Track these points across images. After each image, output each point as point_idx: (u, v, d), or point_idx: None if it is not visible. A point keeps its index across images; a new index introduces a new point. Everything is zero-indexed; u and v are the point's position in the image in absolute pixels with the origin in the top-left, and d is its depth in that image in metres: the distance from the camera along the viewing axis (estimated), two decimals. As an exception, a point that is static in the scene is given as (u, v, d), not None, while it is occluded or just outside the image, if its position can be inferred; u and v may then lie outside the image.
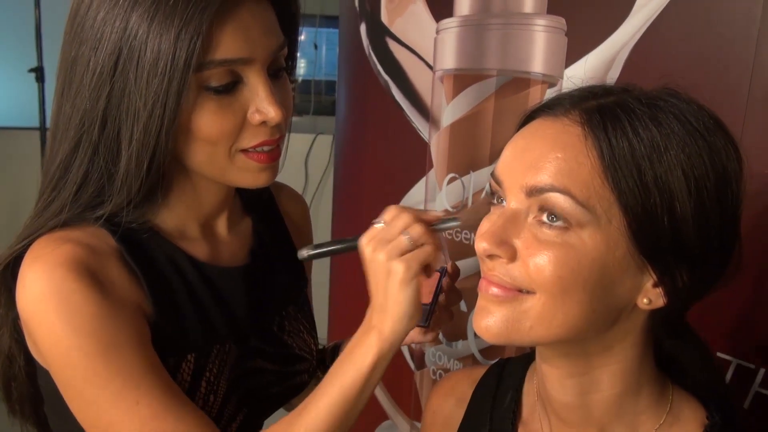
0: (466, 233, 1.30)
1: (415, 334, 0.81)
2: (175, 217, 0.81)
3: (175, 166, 0.78)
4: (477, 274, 0.62)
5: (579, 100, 0.59)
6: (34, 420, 0.86)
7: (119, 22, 0.68)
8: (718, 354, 0.90)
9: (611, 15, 1.00)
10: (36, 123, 2.91)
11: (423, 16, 1.36)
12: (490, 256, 0.59)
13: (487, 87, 1.23)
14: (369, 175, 1.61)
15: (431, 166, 1.39)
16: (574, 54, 1.07)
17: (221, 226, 0.87)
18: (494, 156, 1.23)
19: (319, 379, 0.74)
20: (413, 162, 1.43)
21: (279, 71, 0.76)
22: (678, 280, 0.58)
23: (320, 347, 1.00)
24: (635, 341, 0.63)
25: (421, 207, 1.40)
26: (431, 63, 1.35)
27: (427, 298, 0.76)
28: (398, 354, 1.50)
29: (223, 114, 0.71)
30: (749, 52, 0.85)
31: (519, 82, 1.17)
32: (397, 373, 1.50)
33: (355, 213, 1.68)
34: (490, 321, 0.59)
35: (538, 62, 1.14)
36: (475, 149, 1.28)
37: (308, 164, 2.80)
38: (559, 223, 0.56)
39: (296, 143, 2.78)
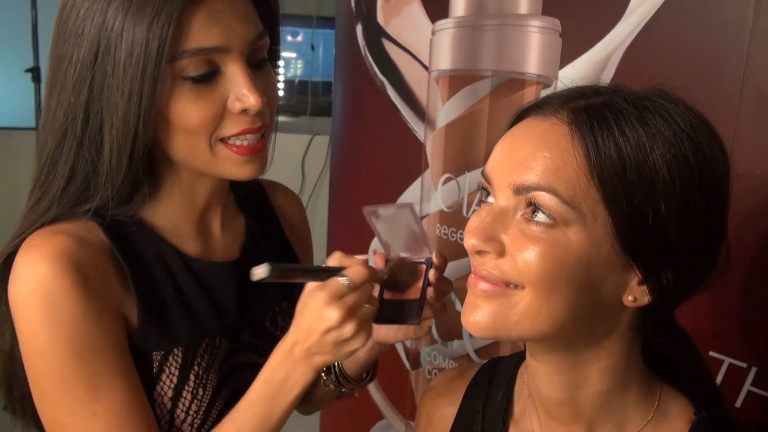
0: (461, 233, 1.31)
1: (409, 331, 0.81)
2: (168, 214, 0.82)
3: (163, 161, 0.78)
4: (473, 274, 0.63)
5: (568, 99, 0.60)
6: (34, 420, 0.86)
7: (98, 16, 0.69)
8: (711, 353, 0.90)
9: (605, 16, 1.01)
10: (32, 123, 2.91)
11: (419, 17, 1.36)
12: (479, 252, 0.60)
13: (482, 88, 1.23)
14: (365, 175, 1.61)
15: (427, 167, 1.39)
16: (568, 55, 1.07)
17: (215, 222, 0.88)
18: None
19: None
20: (409, 162, 1.43)
21: (261, 62, 0.77)
22: (663, 279, 0.58)
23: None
24: (622, 338, 0.63)
25: (417, 206, 1.41)
26: (427, 64, 1.36)
27: (415, 293, 0.76)
28: (394, 354, 1.51)
29: (202, 103, 0.72)
30: (741, 53, 0.85)
31: (514, 82, 1.18)
32: (392, 373, 1.50)
33: (351, 213, 1.68)
34: (478, 316, 0.60)
35: (532, 63, 1.14)
36: (470, 150, 1.28)
37: (305, 165, 2.80)
38: (545, 221, 0.57)
39: (293, 144, 2.79)
